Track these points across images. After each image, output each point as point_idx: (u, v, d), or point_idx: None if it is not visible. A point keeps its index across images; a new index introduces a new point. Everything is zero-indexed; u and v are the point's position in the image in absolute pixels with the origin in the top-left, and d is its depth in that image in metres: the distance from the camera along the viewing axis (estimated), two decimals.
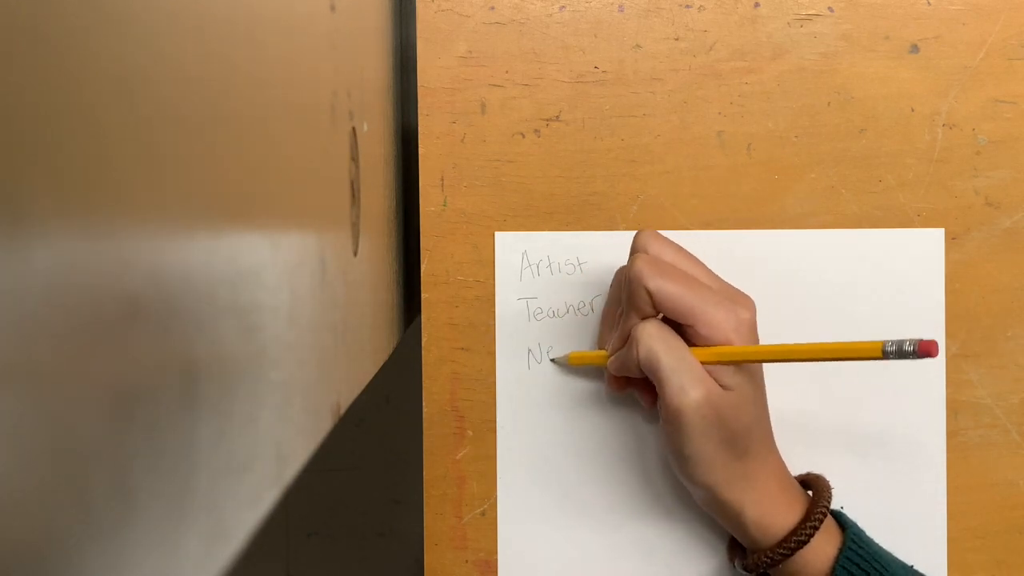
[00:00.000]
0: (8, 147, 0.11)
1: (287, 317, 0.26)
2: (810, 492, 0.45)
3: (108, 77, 0.14)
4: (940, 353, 0.49)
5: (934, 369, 0.49)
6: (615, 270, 0.48)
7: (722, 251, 0.48)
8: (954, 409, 0.49)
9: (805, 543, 0.42)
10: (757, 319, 0.43)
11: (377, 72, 0.44)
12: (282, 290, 0.25)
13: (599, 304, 0.49)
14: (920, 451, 0.48)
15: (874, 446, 0.48)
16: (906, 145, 0.49)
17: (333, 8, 0.32)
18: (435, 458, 0.49)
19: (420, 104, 0.48)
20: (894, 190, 0.49)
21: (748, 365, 0.42)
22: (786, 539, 0.42)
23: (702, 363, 0.41)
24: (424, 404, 0.49)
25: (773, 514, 0.43)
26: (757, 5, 0.49)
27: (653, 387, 0.44)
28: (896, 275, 0.48)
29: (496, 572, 0.49)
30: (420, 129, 0.48)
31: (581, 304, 0.49)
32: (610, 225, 0.49)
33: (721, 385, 0.41)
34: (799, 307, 0.49)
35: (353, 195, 0.36)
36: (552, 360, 0.48)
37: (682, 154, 0.49)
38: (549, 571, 0.49)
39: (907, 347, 0.37)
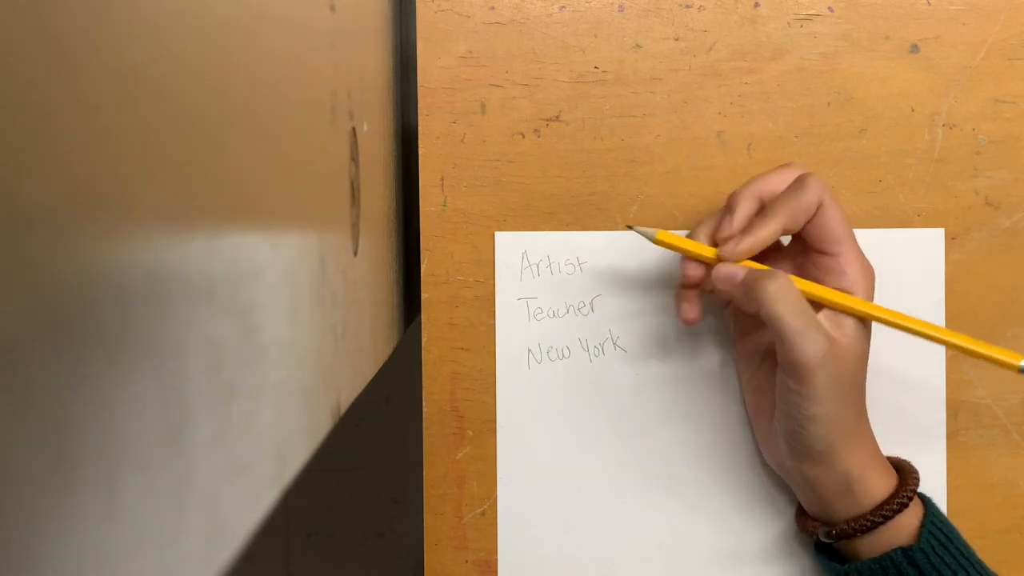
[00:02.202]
0: (8, 147, 0.11)
1: (287, 317, 0.26)
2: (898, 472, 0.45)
3: (108, 76, 0.14)
4: (942, 357, 0.49)
5: (934, 369, 0.49)
6: (615, 270, 0.48)
7: None
8: (954, 409, 0.49)
9: (906, 505, 0.42)
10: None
11: (377, 72, 0.44)
12: (282, 290, 0.25)
13: (599, 304, 0.49)
14: (920, 451, 0.48)
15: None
16: (906, 145, 0.49)
17: (333, 8, 0.32)
18: (435, 458, 0.49)
19: (420, 104, 0.48)
20: (894, 190, 0.49)
21: (867, 322, 0.43)
22: (888, 501, 0.42)
23: (835, 308, 0.42)
24: (424, 404, 0.49)
25: (876, 477, 0.42)
26: (757, 5, 0.49)
27: (701, 306, 0.44)
28: (896, 275, 0.48)
29: (496, 572, 0.49)
30: (420, 129, 0.48)
31: (581, 304, 0.49)
32: (610, 225, 0.49)
33: (843, 336, 0.41)
34: None
35: (353, 195, 0.36)
36: (631, 227, 0.45)
37: (682, 154, 0.49)
38: (549, 571, 0.49)
39: None
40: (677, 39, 0.49)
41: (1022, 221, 0.49)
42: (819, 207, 0.42)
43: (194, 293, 0.18)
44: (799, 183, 0.42)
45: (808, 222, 0.42)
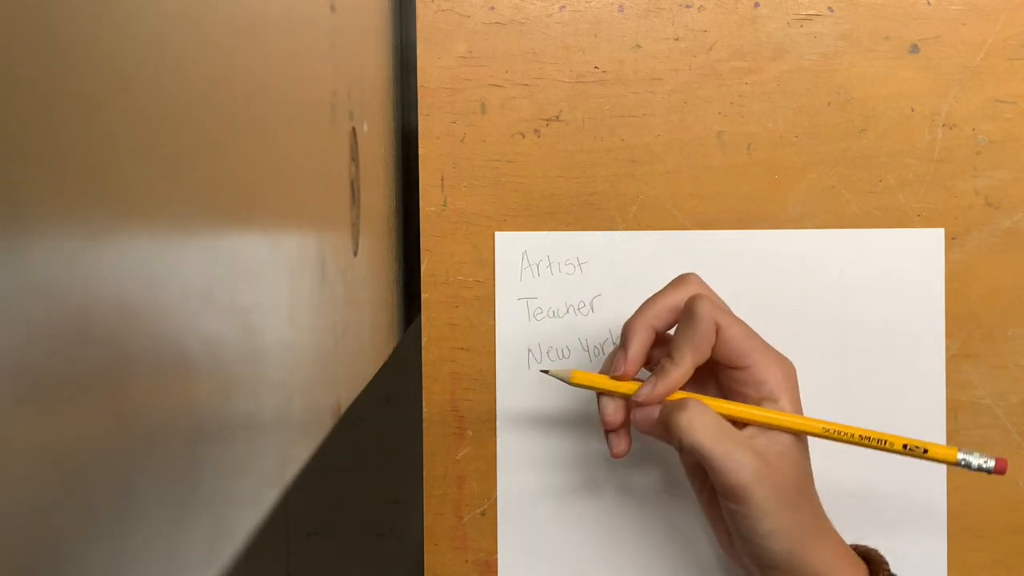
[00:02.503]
0: (8, 146, 0.11)
1: (287, 317, 0.26)
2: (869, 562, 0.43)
3: (108, 76, 0.14)
4: (942, 357, 0.49)
5: (934, 369, 0.49)
6: (615, 270, 0.48)
7: (722, 251, 0.48)
8: (954, 409, 0.49)
9: None
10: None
11: (377, 72, 0.44)
12: (282, 290, 0.25)
13: (599, 304, 0.49)
14: None
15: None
16: (906, 145, 0.49)
17: (333, 8, 0.32)
18: (435, 458, 0.49)
19: (420, 104, 0.48)
20: (894, 190, 0.49)
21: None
22: None
23: (755, 424, 0.40)
24: (424, 404, 0.49)
25: (843, 568, 0.41)
26: (757, 5, 0.49)
27: (630, 439, 0.42)
28: (896, 275, 0.48)
29: (496, 572, 0.49)
30: (420, 129, 0.48)
31: (581, 304, 0.49)
32: (610, 225, 0.49)
33: (773, 445, 0.40)
34: (799, 307, 0.49)
35: (353, 195, 0.36)
36: (543, 371, 0.44)
37: (682, 154, 0.49)
38: (549, 571, 0.49)
39: (984, 464, 0.39)
40: (677, 39, 0.49)
41: (1022, 221, 0.49)
42: (718, 330, 0.40)
43: (194, 293, 0.18)
44: (689, 313, 0.41)
45: (716, 345, 0.41)
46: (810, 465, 0.42)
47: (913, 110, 0.49)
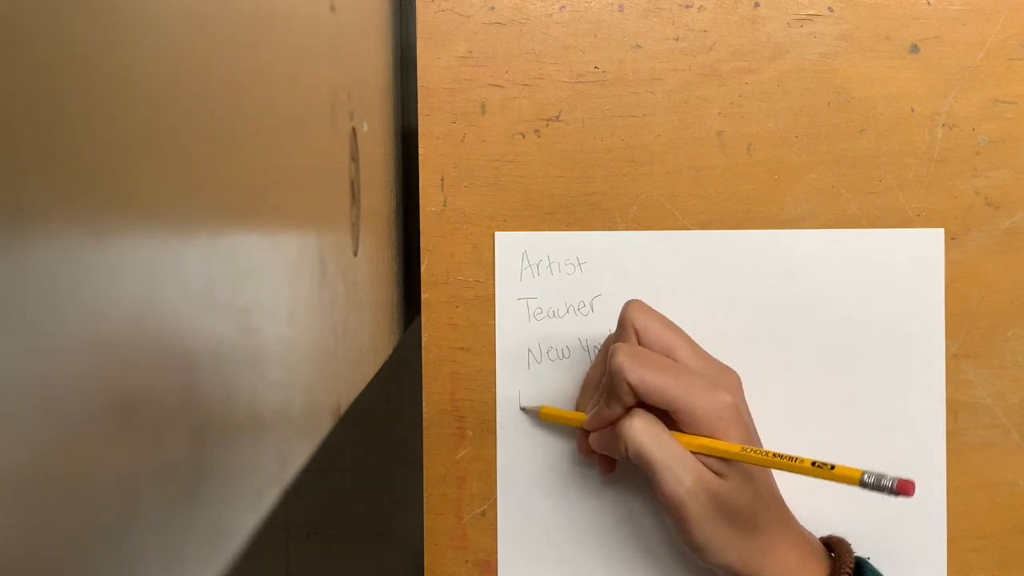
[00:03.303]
0: (8, 147, 0.11)
1: (287, 317, 0.26)
2: (833, 554, 0.44)
3: (108, 76, 0.14)
4: (942, 357, 0.49)
5: (934, 369, 0.49)
6: (615, 270, 0.48)
7: (722, 251, 0.48)
8: (954, 409, 0.49)
9: None
10: (742, 395, 0.44)
11: (377, 72, 0.44)
12: (282, 290, 0.25)
13: (599, 304, 0.49)
14: (920, 451, 0.48)
15: (874, 446, 0.48)
16: (906, 145, 0.49)
17: (333, 8, 0.32)
18: (435, 458, 0.49)
19: (420, 104, 0.48)
20: (894, 190, 0.49)
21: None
22: None
23: (692, 452, 0.41)
24: (424, 404, 0.49)
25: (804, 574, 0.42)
26: (757, 5, 0.49)
27: (614, 460, 0.46)
28: (896, 275, 0.48)
29: (496, 572, 0.49)
30: (420, 129, 0.48)
31: (581, 304, 0.49)
32: (610, 225, 0.49)
33: (714, 471, 0.41)
34: (799, 307, 0.49)
35: (353, 195, 0.36)
36: (522, 408, 0.48)
37: (682, 154, 0.49)
38: (549, 571, 0.49)
39: (885, 482, 0.37)
40: (677, 39, 0.49)
41: (1022, 221, 0.49)
42: (632, 388, 0.42)
43: (194, 293, 0.18)
44: (608, 367, 0.43)
45: (637, 397, 0.42)
46: (769, 489, 0.43)
47: (913, 110, 0.49)
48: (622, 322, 0.45)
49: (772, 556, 0.43)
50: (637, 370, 0.42)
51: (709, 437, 0.41)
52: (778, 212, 0.49)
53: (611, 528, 0.49)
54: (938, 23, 0.49)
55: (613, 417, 0.43)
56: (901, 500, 0.48)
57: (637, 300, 0.45)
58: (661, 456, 0.41)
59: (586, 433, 0.46)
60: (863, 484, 0.37)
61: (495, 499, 0.49)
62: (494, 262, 0.48)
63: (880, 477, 0.37)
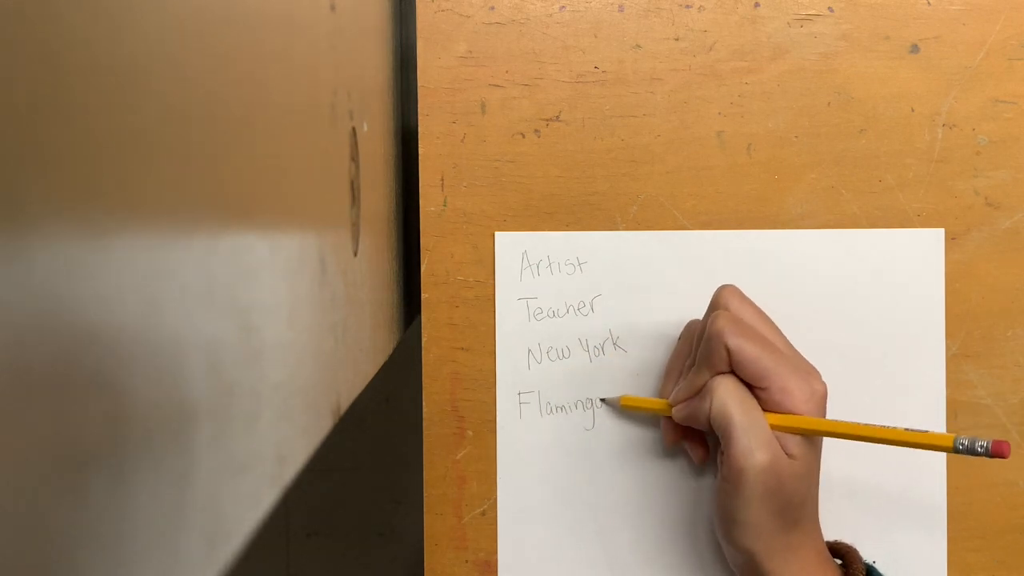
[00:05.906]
0: (7, 147, 0.11)
1: (287, 317, 0.26)
2: (839, 561, 0.44)
3: (107, 77, 0.14)
4: (942, 357, 0.49)
5: (934, 369, 0.49)
6: (615, 270, 0.48)
7: (722, 251, 0.48)
8: (954, 409, 0.49)
9: None
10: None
11: (377, 72, 0.44)
12: (282, 290, 0.25)
13: (599, 304, 0.49)
14: (920, 451, 0.48)
15: (874, 446, 0.48)
16: (906, 145, 0.49)
17: (333, 8, 0.32)
18: (435, 458, 0.49)
19: (420, 104, 0.48)
20: (894, 190, 0.49)
21: (814, 438, 0.42)
22: None
23: (772, 428, 0.41)
24: (424, 404, 0.49)
25: None
26: (757, 5, 0.49)
27: (706, 444, 0.46)
28: (896, 275, 0.48)
29: (496, 572, 0.49)
30: (420, 129, 0.48)
31: (581, 304, 0.49)
32: (610, 225, 0.49)
33: (787, 454, 0.41)
34: (799, 307, 0.49)
35: (353, 195, 0.36)
36: (602, 400, 0.48)
37: (682, 154, 0.49)
38: (549, 571, 0.49)
39: (980, 445, 0.37)
40: (677, 39, 0.49)
41: (1022, 221, 0.49)
42: (729, 353, 0.41)
43: (194, 293, 0.18)
44: (704, 332, 0.43)
45: (732, 364, 0.42)
46: (815, 487, 0.43)
47: (913, 110, 0.49)
48: (715, 304, 0.44)
49: (797, 554, 0.42)
50: (737, 336, 0.41)
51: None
52: (778, 212, 0.49)
53: (611, 528, 0.49)
54: (938, 23, 0.49)
55: (703, 384, 0.42)
56: (907, 498, 0.48)
57: (731, 284, 0.45)
58: (742, 420, 0.40)
59: (670, 422, 0.45)
60: (956, 449, 0.38)
61: (495, 499, 0.49)
62: (494, 262, 0.48)
63: (974, 440, 0.38)
